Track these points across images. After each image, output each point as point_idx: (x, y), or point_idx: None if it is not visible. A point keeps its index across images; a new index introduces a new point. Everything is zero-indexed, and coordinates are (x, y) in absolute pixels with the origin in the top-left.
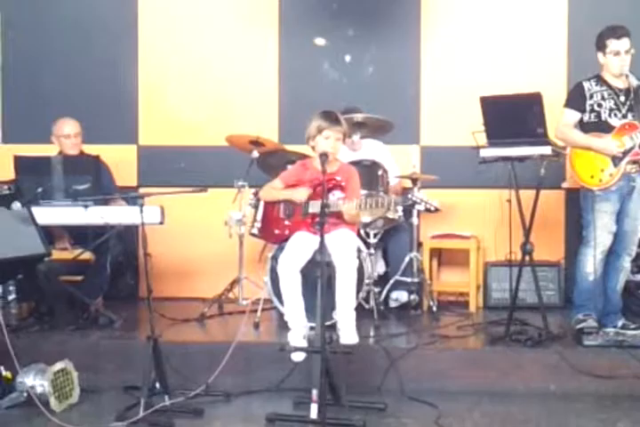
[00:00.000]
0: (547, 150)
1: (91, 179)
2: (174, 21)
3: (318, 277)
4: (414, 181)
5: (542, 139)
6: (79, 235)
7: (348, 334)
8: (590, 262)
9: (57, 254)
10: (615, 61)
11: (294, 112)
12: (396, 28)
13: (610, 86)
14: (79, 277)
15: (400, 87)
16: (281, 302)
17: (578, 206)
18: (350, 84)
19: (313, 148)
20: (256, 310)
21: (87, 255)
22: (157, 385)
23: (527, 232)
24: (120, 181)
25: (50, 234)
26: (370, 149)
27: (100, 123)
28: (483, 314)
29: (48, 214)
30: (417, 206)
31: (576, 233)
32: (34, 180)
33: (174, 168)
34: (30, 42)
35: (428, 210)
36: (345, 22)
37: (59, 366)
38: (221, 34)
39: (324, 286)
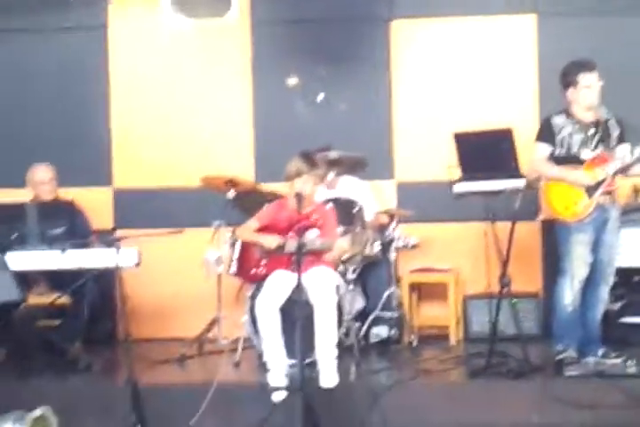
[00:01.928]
0: (520, 183)
1: (66, 223)
2: (146, 63)
3: (297, 316)
4: (391, 216)
5: (515, 172)
6: (56, 279)
7: (327, 376)
8: (568, 293)
9: (34, 299)
10: (589, 94)
11: (269, 151)
12: (367, 66)
13: (578, 120)
14: (57, 322)
15: (373, 124)
16: (260, 341)
17: (553, 238)
18: (324, 123)
19: (290, 187)
20: (236, 350)
21: (64, 299)
22: None
23: (504, 265)
24: (96, 223)
25: (26, 279)
26: (346, 186)
27: (74, 166)
28: (463, 347)
29: (24, 260)
30: (394, 243)
31: (553, 264)
32: (8, 226)
33: (150, 210)
34: (3, 86)
35: (405, 246)
36: (316, 62)
37: (37, 412)
38: (194, 74)
39: (302, 325)
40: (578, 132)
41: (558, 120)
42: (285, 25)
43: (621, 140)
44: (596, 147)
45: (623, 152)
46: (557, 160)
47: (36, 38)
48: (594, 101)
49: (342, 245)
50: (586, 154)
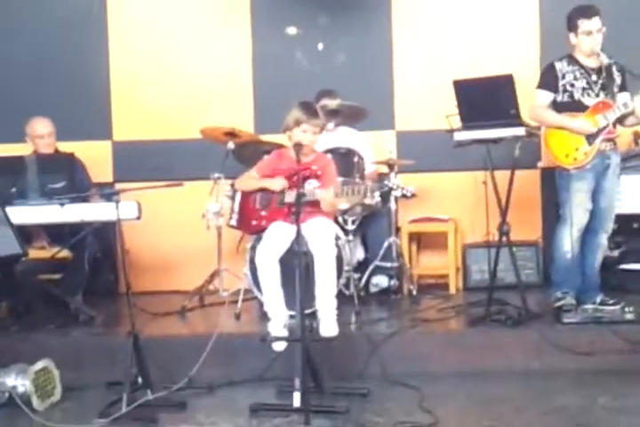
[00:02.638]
0: (520, 131)
1: (66, 177)
2: (144, 14)
3: (296, 266)
4: (391, 166)
5: (515, 120)
6: (56, 233)
7: (327, 325)
8: (567, 241)
9: (34, 253)
10: (588, 41)
11: (269, 102)
12: (367, 15)
13: (582, 66)
14: (57, 276)
15: (373, 74)
16: (261, 292)
17: (554, 186)
18: (323, 72)
19: (289, 137)
20: (237, 301)
21: (65, 253)
22: (139, 380)
23: (504, 213)
24: (95, 177)
25: (26, 233)
26: (345, 136)
27: (73, 120)
28: (463, 296)
29: (24, 214)
30: (393, 192)
31: (553, 212)
32: (8, 180)
33: (149, 163)
34: None
35: (404, 196)
36: (316, 11)
37: (40, 365)
38: (193, 25)
39: (302, 275)
40: (581, 78)
41: (561, 66)
42: None
43: (623, 88)
44: (598, 93)
45: (624, 99)
46: (559, 106)
47: None
48: (593, 48)
49: (325, 196)
50: (588, 100)
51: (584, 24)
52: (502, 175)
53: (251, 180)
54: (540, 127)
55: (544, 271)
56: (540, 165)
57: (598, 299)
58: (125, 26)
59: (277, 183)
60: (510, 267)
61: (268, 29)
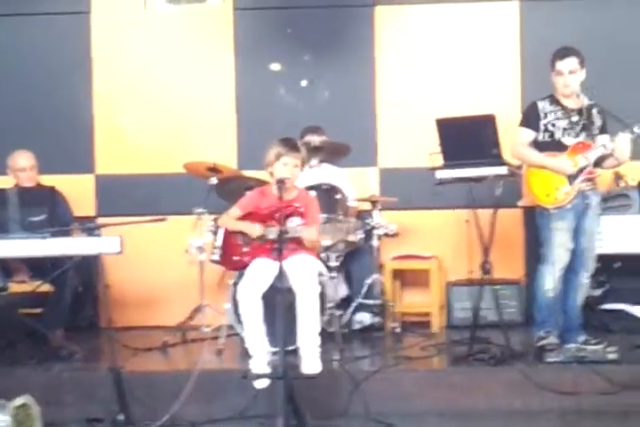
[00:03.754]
0: (502, 170)
1: (47, 210)
2: (128, 49)
3: (279, 303)
4: (373, 203)
5: (497, 159)
6: (37, 267)
7: (310, 363)
8: (549, 280)
9: (15, 287)
10: (559, 81)
11: (252, 138)
12: (351, 52)
13: (563, 106)
14: (38, 310)
15: (356, 111)
16: (243, 328)
17: (535, 225)
18: (307, 109)
19: (271, 174)
20: (218, 338)
21: (46, 287)
22: (121, 417)
23: (486, 251)
24: (78, 211)
25: (7, 267)
26: (327, 173)
27: (55, 153)
28: (446, 334)
29: (5, 247)
30: (375, 231)
31: (535, 251)
32: None
33: (133, 197)
34: None
35: (386, 234)
36: (300, 47)
37: (19, 400)
38: (177, 60)
39: (284, 312)
40: (562, 118)
41: (543, 105)
42: (268, 10)
43: (603, 130)
44: (578, 134)
45: (604, 141)
46: (540, 146)
47: (19, 23)
48: (562, 88)
49: (309, 234)
50: (568, 140)
51: (557, 64)
52: (485, 214)
53: (231, 220)
54: (521, 166)
55: (527, 310)
56: (520, 203)
57: (581, 338)
58: (109, 61)
59: (254, 230)
60: (493, 305)
61: (252, 65)
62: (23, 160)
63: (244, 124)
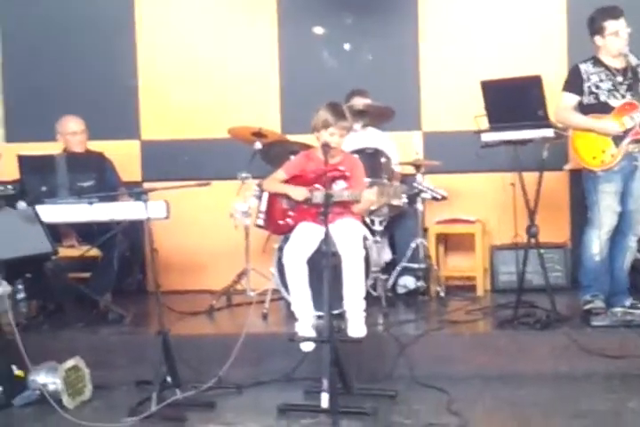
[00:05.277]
0: (549, 133)
1: (95, 176)
2: (171, 15)
3: (324, 267)
4: (417, 167)
5: (544, 121)
6: (85, 232)
7: (355, 326)
8: (596, 243)
9: (64, 252)
10: (616, 42)
11: (296, 102)
12: (394, 15)
13: (607, 67)
14: (87, 274)
15: (400, 74)
16: (288, 292)
17: (582, 188)
18: (350, 72)
19: (317, 138)
20: (264, 301)
21: (94, 252)
22: (169, 379)
23: (532, 215)
24: (124, 176)
25: (56, 232)
26: (372, 137)
27: (102, 119)
28: (490, 298)
29: (54, 212)
30: (423, 195)
31: (581, 214)
32: (38, 178)
33: (178, 162)
34: (30, 40)
35: (434, 198)
36: (342, 11)
37: (70, 363)
38: (220, 25)
39: (330, 276)
40: (606, 80)
41: (586, 67)
42: None
43: None
44: (624, 94)
45: None
46: (585, 108)
47: None
48: (621, 48)
49: (369, 196)
50: (614, 102)
51: (611, 25)
52: (530, 177)
53: (276, 183)
54: (568, 129)
55: (572, 274)
56: (566, 167)
57: (628, 302)
58: (153, 27)
59: (299, 193)
60: (538, 269)
61: (295, 29)
62: (74, 124)
63: (287, 88)
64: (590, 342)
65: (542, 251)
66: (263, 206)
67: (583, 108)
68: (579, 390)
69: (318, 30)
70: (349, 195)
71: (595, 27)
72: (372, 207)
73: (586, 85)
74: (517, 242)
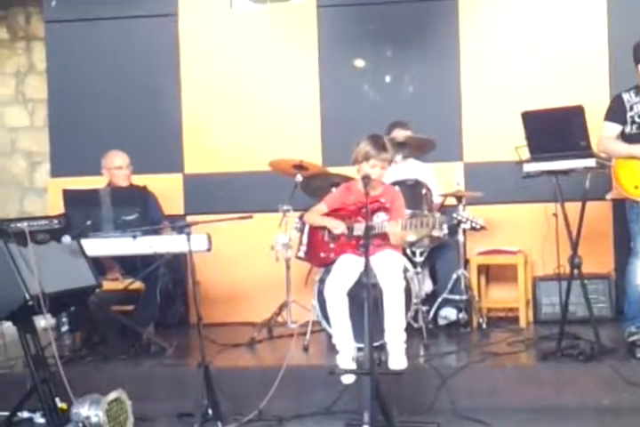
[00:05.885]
0: (591, 162)
1: (139, 209)
2: (215, 50)
3: (365, 299)
4: (459, 198)
5: (586, 151)
6: (129, 265)
7: (396, 358)
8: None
9: (108, 285)
10: None
11: (337, 134)
12: (435, 47)
13: None
14: (130, 307)
15: (441, 105)
16: (329, 324)
17: (625, 217)
18: (391, 105)
19: (358, 170)
20: (305, 333)
21: (137, 285)
22: (210, 412)
23: (575, 245)
24: (167, 209)
25: (100, 265)
26: (412, 168)
27: (145, 153)
28: (533, 329)
29: (98, 246)
30: (462, 225)
31: (625, 244)
32: (83, 212)
33: (220, 195)
34: (76, 76)
35: (473, 228)
36: (383, 43)
37: (113, 395)
38: (262, 59)
39: (370, 308)
40: None
41: (629, 97)
42: (350, 7)
43: None
44: None
45: None
46: (628, 138)
47: (109, 27)
48: None
49: (393, 228)
50: None
51: None
52: (572, 207)
53: (317, 215)
54: (610, 158)
55: (617, 305)
56: (608, 196)
57: None
58: (196, 62)
59: (337, 226)
60: (582, 300)
61: (336, 62)
62: (119, 159)
63: (328, 121)
64: (635, 374)
65: (586, 282)
66: (304, 239)
67: (625, 138)
68: (623, 423)
69: (359, 63)
70: (382, 227)
71: (638, 56)
72: (412, 238)
73: (629, 115)
74: (560, 273)
